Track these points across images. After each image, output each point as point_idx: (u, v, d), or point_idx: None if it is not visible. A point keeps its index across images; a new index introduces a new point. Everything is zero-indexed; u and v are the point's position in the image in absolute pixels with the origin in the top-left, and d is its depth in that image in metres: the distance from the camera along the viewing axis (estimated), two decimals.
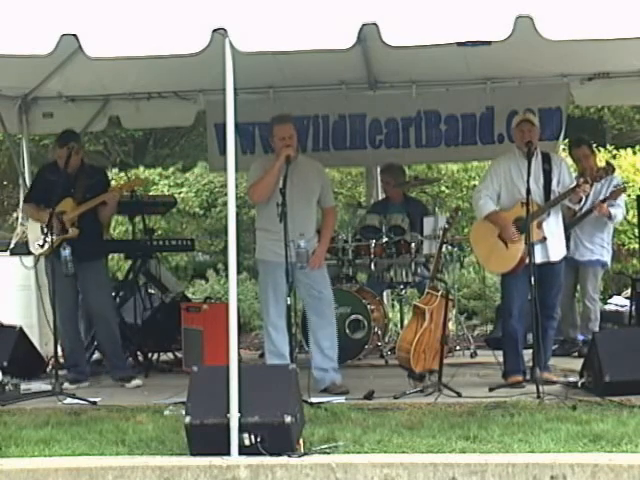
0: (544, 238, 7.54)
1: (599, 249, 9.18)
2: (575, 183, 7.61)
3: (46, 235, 7.96)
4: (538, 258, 7.45)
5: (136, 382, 8.25)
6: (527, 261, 7.38)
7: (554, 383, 7.40)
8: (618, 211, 9.13)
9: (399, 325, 10.21)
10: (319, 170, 7.88)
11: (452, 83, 9.90)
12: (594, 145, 12.90)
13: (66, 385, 7.97)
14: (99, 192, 8.21)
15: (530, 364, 7.48)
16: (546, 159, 7.69)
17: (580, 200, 7.75)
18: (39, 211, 8.26)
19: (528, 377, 7.41)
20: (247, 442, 5.48)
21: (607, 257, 9.28)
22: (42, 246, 8.11)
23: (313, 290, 7.65)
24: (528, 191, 7.36)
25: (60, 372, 7.73)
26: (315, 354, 7.66)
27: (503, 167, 7.73)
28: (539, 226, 7.54)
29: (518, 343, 7.68)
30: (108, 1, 5.81)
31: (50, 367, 8.50)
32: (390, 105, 10.17)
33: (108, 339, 8.40)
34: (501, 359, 7.91)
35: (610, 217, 9.06)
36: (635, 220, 10.59)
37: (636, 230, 11.00)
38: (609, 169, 7.83)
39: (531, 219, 7.39)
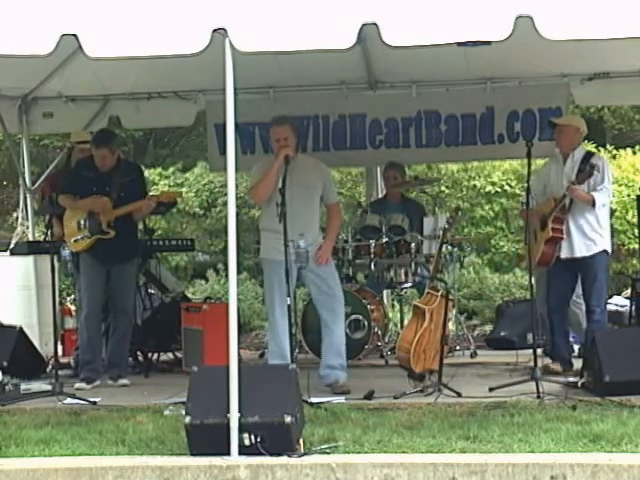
0: (560, 238, 7.78)
1: None
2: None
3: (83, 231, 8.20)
4: (563, 254, 7.84)
5: (123, 381, 8.29)
6: (556, 255, 7.82)
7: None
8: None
9: (399, 325, 10.21)
10: (320, 168, 7.85)
11: (452, 83, 9.90)
12: (593, 145, 12.96)
13: (82, 385, 8.01)
14: (134, 191, 8.28)
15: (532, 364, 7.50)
16: (586, 159, 7.86)
17: (592, 203, 7.78)
18: (76, 205, 8.31)
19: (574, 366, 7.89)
20: (247, 442, 5.48)
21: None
22: (78, 242, 8.23)
23: (323, 286, 7.66)
24: (528, 190, 7.50)
25: (60, 372, 7.72)
26: (328, 351, 7.64)
27: (546, 168, 8.20)
28: (556, 223, 7.79)
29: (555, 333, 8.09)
30: (108, 1, 5.81)
31: (50, 367, 8.50)
32: (390, 105, 10.17)
33: (124, 336, 8.47)
34: (491, 360, 8.59)
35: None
36: (635, 220, 10.57)
37: (636, 230, 10.98)
38: (591, 171, 7.72)
39: (548, 214, 7.78)
